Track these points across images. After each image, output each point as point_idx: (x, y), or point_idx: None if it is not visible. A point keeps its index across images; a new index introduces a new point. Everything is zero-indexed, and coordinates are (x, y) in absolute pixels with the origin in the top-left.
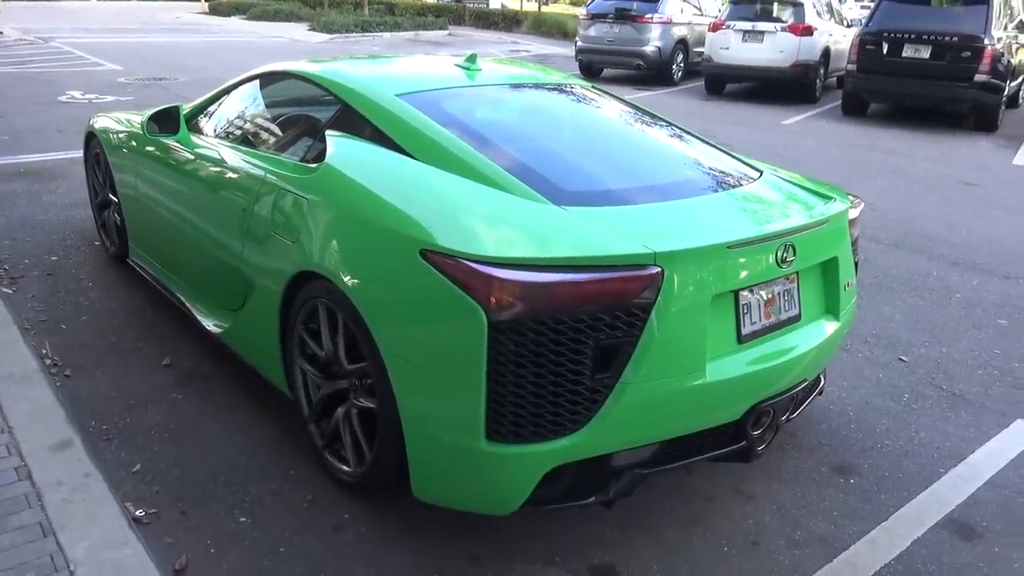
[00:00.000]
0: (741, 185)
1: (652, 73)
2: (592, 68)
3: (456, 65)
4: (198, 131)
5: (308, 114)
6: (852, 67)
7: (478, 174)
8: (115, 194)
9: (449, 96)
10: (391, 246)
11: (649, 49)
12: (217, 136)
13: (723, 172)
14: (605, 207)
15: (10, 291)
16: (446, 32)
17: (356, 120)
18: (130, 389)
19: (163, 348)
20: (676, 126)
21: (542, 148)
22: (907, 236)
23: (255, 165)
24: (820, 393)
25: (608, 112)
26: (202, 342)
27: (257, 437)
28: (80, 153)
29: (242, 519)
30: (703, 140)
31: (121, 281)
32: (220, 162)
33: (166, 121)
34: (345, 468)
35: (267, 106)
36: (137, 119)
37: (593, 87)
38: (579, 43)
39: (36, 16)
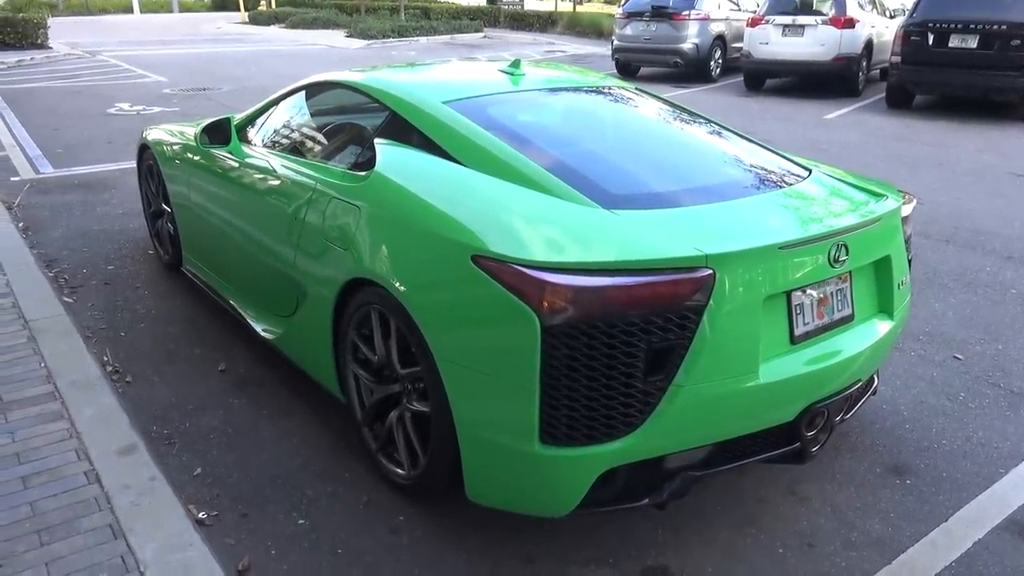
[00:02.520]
0: (790, 184)
1: (690, 70)
2: (629, 67)
3: (500, 71)
4: (249, 141)
5: (356, 123)
6: (897, 59)
7: (526, 179)
8: (168, 204)
9: (494, 102)
10: (443, 252)
11: (687, 46)
12: (267, 146)
13: (771, 171)
14: (654, 210)
15: (71, 300)
16: (481, 35)
17: (404, 128)
18: (188, 394)
19: (218, 354)
20: (720, 125)
21: (589, 151)
22: (957, 231)
23: (305, 174)
24: (874, 393)
25: (653, 113)
26: (255, 348)
27: (311, 440)
28: (131, 164)
29: (300, 521)
30: (748, 139)
31: (176, 289)
32: (271, 171)
33: (217, 132)
34: (399, 471)
35: (315, 116)
36: (188, 130)
37: (636, 88)
38: (615, 42)
39: (82, 31)
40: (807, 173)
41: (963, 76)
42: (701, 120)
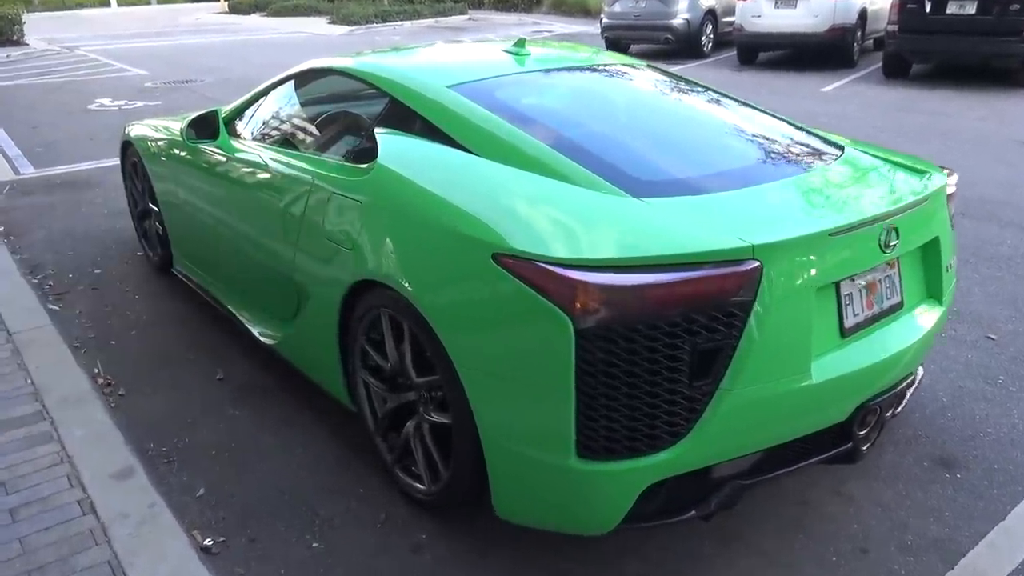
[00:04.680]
0: (826, 163)
1: (681, 46)
2: (619, 44)
3: (504, 51)
4: (238, 135)
5: (353, 112)
6: (893, 27)
7: (545, 167)
8: (155, 203)
9: (503, 84)
10: (459, 251)
11: (677, 22)
12: (258, 139)
13: (803, 149)
14: (687, 197)
15: (57, 307)
16: (466, 17)
17: (405, 115)
18: (185, 407)
19: (215, 360)
20: (742, 101)
21: (609, 135)
22: (970, 203)
23: (300, 168)
24: (918, 385)
25: (671, 92)
26: (254, 353)
27: (319, 452)
28: (115, 161)
29: (314, 544)
30: (773, 115)
31: (167, 292)
32: (264, 166)
33: (204, 126)
34: (418, 486)
35: (307, 105)
36: (173, 125)
37: (648, 65)
38: (604, 20)
39: (60, 26)
40: (840, 151)
41: (962, 43)
42: (722, 97)
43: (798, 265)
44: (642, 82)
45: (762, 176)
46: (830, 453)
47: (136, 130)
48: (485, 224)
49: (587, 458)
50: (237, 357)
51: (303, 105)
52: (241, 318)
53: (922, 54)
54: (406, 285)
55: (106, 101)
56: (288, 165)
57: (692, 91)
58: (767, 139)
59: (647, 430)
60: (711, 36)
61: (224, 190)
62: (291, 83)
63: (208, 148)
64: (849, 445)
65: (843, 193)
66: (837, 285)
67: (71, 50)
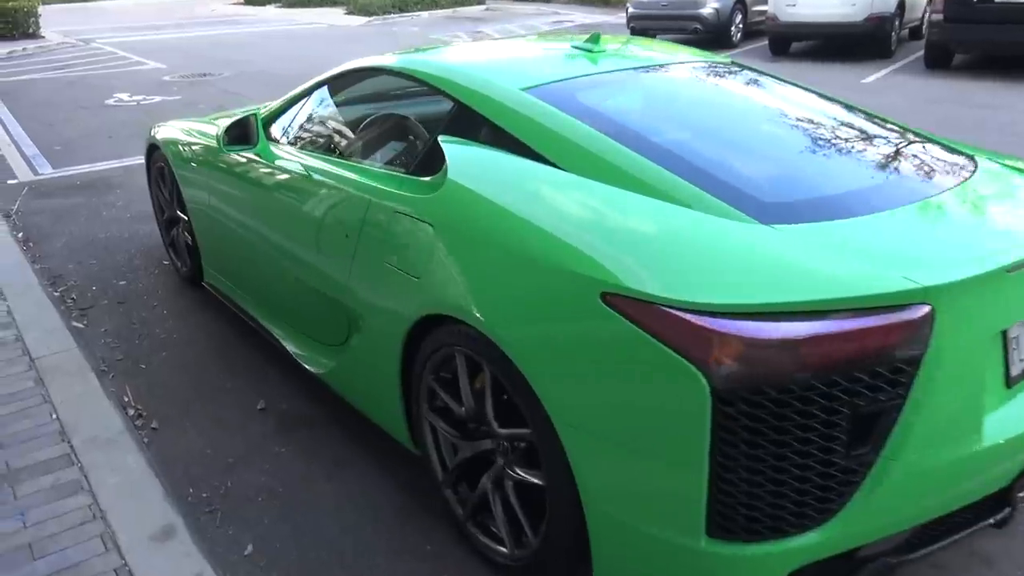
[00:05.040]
0: (965, 178)
1: (710, 36)
2: (646, 35)
3: (575, 47)
4: (276, 140)
5: (409, 117)
6: (938, 16)
7: (649, 187)
8: (184, 211)
9: (584, 87)
10: (557, 287)
11: (706, 11)
12: (300, 146)
13: (937, 161)
14: (824, 222)
15: (81, 325)
16: (484, 7)
17: (474, 122)
18: (225, 443)
19: (254, 387)
20: (851, 105)
21: (719, 148)
22: None
23: (354, 182)
24: None
25: (774, 95)
26: (296, 377)
27: (378, 498)
28: (136, 160)
29: None
30: (886, 120)
31: (197, 306)
32: (309, 177)
33: (241, 132)
34: (499, 548)
35: (356, 109)
36: (202, 127)
37: (732, 62)
38: (631, 9)
39: (75, 18)
40: (971, 161)
41: (1012, 32)
42: (830, 100)
43: (974, 309)
44: (739, 83)
45: (902, 195)
46: (985, 521)
47: (163, 133)
48: (589, 256)
49: (721, 539)
50: (278, 383)
51: (350, 109)
52: (282, 341)
53: (968, 44)
54: (488, 323)
55: (124, 96)
56: (338, 177)
57: (797, 93)
58: (895, 149)
59: (794, 507)
60: (740, 26)
61: (263, 201)
62: (335, 84)
63: (245, 156)
64: (1006, 511)
65: (1003, 216)
66: (1005, 329)
67: (87, 43)
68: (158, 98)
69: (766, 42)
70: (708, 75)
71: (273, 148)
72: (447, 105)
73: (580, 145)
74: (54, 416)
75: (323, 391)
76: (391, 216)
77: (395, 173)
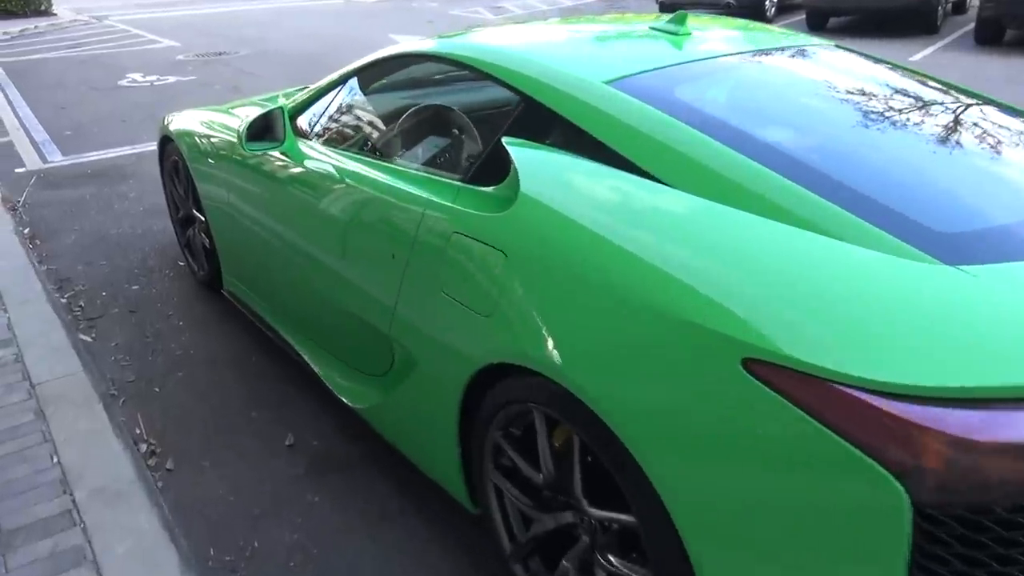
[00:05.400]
0: None
1: (743, 12)
2: (674, 11)
3: (655, 29)
4: (305, 136)
5: (460, 113)
6: None
7: (787, 212)
8: (200, 211)
9: (681, 80)
10: (677, 344)
11: None
12: (334, 144)
13: None
14: (1021, 261)
15: (89, 338)
16: None
17: (547, 122)
18: (250, 487)
19: (281, 419)
20: (990, 99)
21: (867, 160)
22: None
23: (400, 191)
24: None
25: (916, 92)
26: (330, 408)
27: (430, 562)
28: (149, 146)
29: None
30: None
31: (216, 316)
32: (345, 181)
33: (265, 127)
34: None
35: (397, 102)
36: (221, 118)
37: (837, 46)
38: None
39: None
40: None
41: None
42: (972, 97)
43: None
44: (871, 77)
45: None
46: None
47: (177, 123)
48: (722, 306)
49: None
50: (308, 415)
51: (390, 101)
52: (312, 365)
53: (1023, 20)
54: (577, 380)
55: (137, 76)
56: (380, 185)
57: (939, 89)
58: None
59: None
60: (775, 0)
61: (291, 205)
62: (372, 72)
63: (271, 154)
64: None
65: None
66: None
67: (100, 20)
68: (172, 78)
69: (802, 16)
70: (826, 64)
71: (302, 146)
72: (510, 100)
73: (690, 155)
74: (55, 459)
75: (360, 424)
76: (449, 237)
77: (449, 180)
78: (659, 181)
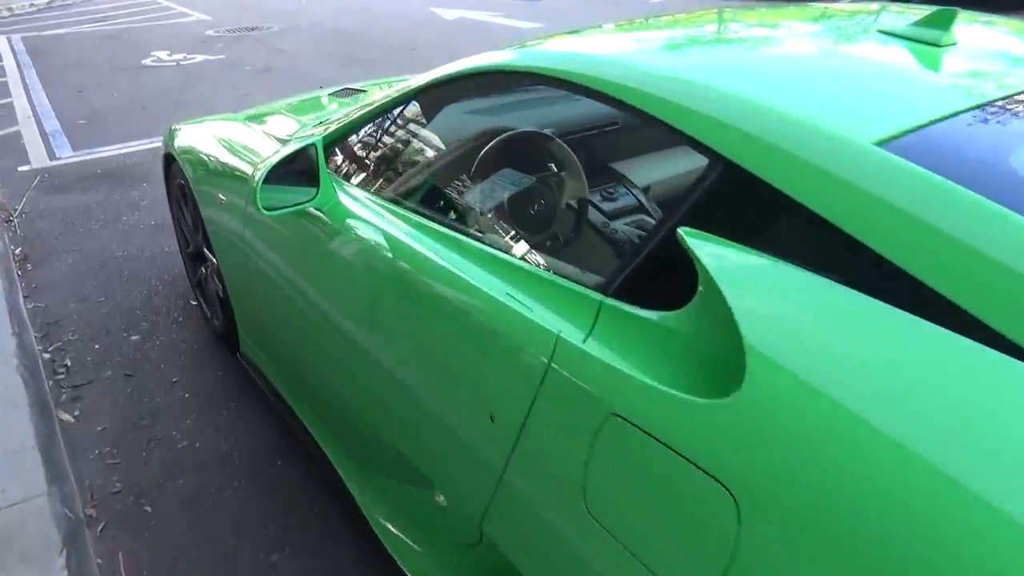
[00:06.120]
0: None
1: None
2: None
3: (893, 35)
4: (347, 177)
5: (604, 174)
6: None
7: None
8: (211, 249)
9: (971, 137)
10: None
11: None
12: (389, 196)
13: None
14: None
15: (71, 417)
16: None
17: (773, 210)
18: None
19: (316, 570)
20: None
21: None
22: None
23: (504, 305)
24: None
25: None
26: (381, 562)
27: None
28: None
29: None
30: None
31: (233, 387)
32: (409, 267)
33: (291, 170)
34: None
35: (490, 147)
36: (234, 133)
37: None
38: None
39: None
40: None
41: None
42: None
43: None
44: None
45: None
46: None
47: (182, 138)
48: None
49: None
50: (355, 566)
51: (478, 140)
52: (358, 500)
53: None
54: None
55: (163, 55)
56: (467, 285)
57: None
58: None
59: None
60: None
61: (328, 276)
62: (446, 91)
63: (305, 210)
64: None
65: None
66: None
67: None
68: (200, 57)
69: None
70: None
71: (343, 196)
72: (696, 161)
73: None
74: None
75: None
76: (602, 419)
77: (581, 288)
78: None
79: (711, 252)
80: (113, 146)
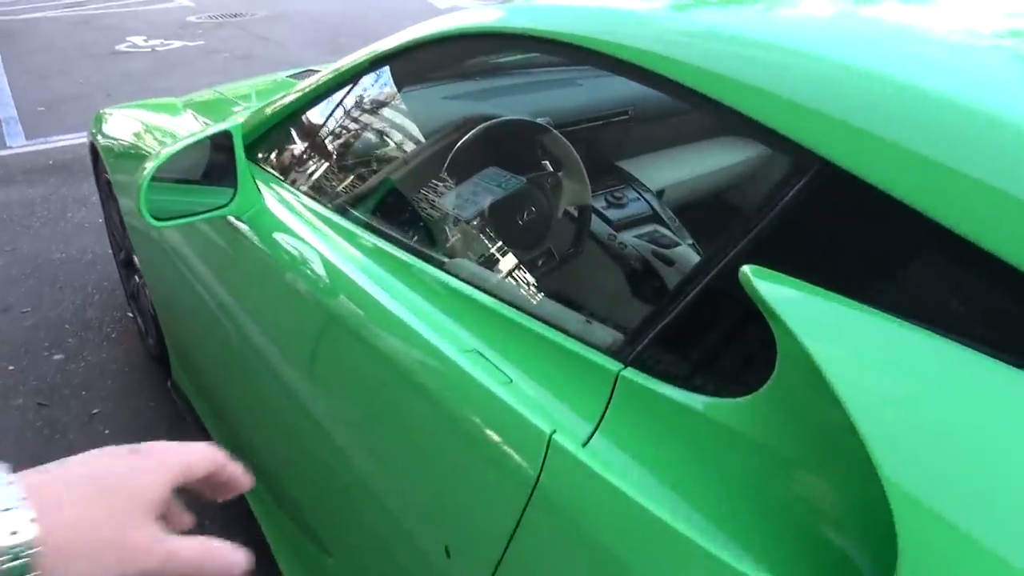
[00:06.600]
0: None
1: None
2: None
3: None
4: (279, 173)
5: (623, 177)
6: None
7: None
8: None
9: None
10: None
11: None
12: (335, 201)
13: None
14: None
15: None
16: None
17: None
18: None
19: None
20: None
21: None
22: None
23: (471, 378)
24: None
25: None
26: None
27: None
28: None
29: None
30: None
31: (164, 423)
32: (356, 301)
33: (202, 165)
34: None
35: (482, 136)
36: (162, 121)
37: None
38: None
39: None
40: None
41: None
42: None
43: None
44: None
45: None
46: None
47: (109, 128)
48: None
49: None
50: None
51: (452, 136)
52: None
53: None
54: None
55: (139, 40)
56: (432, 350)
57: None
58: None
59: None
60: None
61: (255, 301)
62: (414, 63)
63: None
64: None
65: None
66: None
67: None
68: (177, 43)
69: None
70: None
71: (271, 198)
72: (762, 166)
73: None
74: None
75: None
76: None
77: (586, 352)
78: None
79: (801, 304)
80: (69, 135)
